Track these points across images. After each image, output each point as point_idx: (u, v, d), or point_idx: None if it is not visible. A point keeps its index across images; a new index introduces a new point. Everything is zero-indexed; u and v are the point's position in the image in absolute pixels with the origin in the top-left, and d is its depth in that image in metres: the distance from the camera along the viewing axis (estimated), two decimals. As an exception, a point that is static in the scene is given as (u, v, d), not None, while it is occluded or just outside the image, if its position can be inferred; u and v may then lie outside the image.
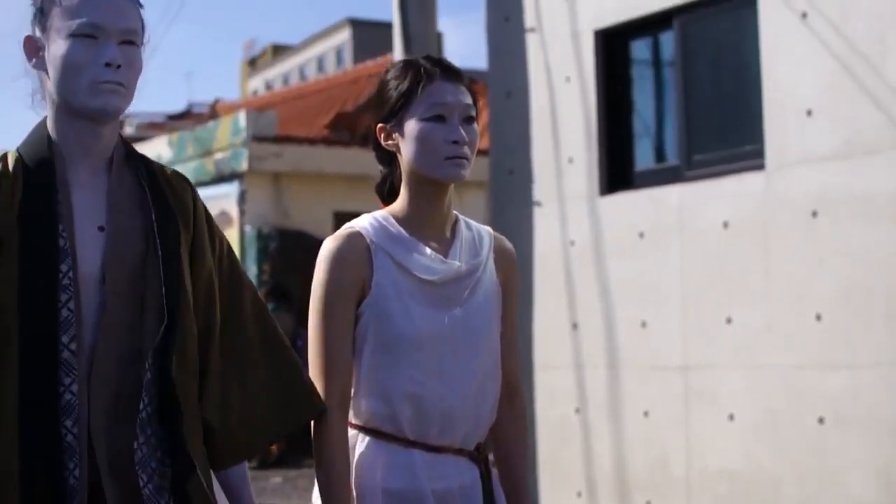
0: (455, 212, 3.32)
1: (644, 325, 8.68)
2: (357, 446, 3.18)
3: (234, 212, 15.79)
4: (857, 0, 7.44)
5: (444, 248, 3.22)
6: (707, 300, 8.26)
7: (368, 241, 3.14)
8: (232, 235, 15.85)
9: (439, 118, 3.11)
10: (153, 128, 28.34)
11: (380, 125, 3.21)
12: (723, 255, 8.16)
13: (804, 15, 7.72)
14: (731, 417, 8.05)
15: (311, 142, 16.52)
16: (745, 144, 8.27)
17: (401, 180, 3.24)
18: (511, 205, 9.78)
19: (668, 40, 9.06)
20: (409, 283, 3.15)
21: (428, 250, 3.18)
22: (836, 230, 7.47)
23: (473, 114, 3.18)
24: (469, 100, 3.18)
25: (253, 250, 15.47)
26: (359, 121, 18.05)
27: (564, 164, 9.38)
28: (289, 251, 15.56)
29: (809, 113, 7.65)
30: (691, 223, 8.40)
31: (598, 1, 9.23)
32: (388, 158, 3.27)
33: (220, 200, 16.09)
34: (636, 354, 8.76)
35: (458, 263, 3.21)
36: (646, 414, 8.65)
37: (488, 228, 3.38)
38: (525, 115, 9.72)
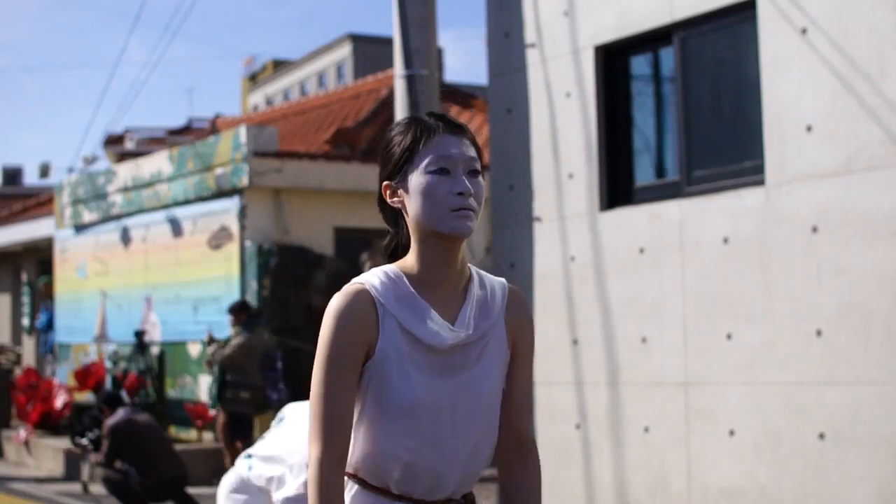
0: (470, 265, 3.26)
1: (644, 341, 8.67)
2: (345, 491, 3.18)
3: (234, 227, 15.78)
4: (857, 16, 7.45)
5: (455, 309, 3.17)
6: (707, 316, 8.26)
7: (377, 301, 3.09)
8: (232, 251, 15.84)
9: (443, 171, 3.08)
10: (154, 143, 28.39)
11: (385, 183, 3.18)
12: (723, 271, 8.16)
13: (804, 31, 7.73)
14: (732, 434, 8.04)
15: (312, 157, 16.51)
16: (745, 160, 8.28)
17: (408, 239, 3.19)
18: (511, 221, 9.78)
19: (668, 56, 9.07)
20: (414, 349, 3.11)
21: (437, 316, 3.12)
22: (835, 246, 7.47)
23: (478, 167, 3.14)
24: (473, 153, 3.14)
25: (253, 266, 15.45)
26: (359, 136, 18.06)
27: (564, 180, 9.38)
28: (289, 266, 15.54)
29: (809, 129, 7.66)
30: (691, 239, 8.40)
31: (598, 17, 9.24)
32: (395, 218, 3.23)
33: (220, 216, 16.08)
34: (636, 371, 8.76)
35: (466, 332, 3.16)
36: (646, 430, 8.65)
37: (502, 281, 3.31)
38: (525, 130, 9.73)
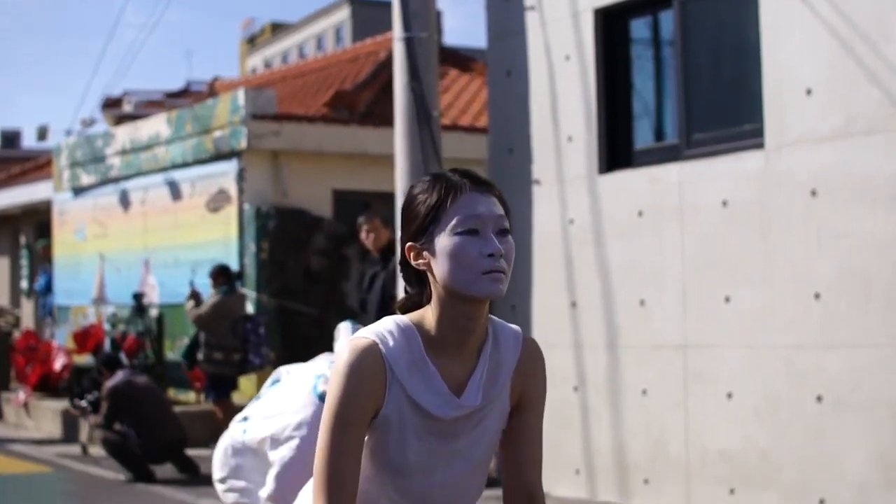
0: (489, 319, 3.14)
1: (643, 304, 8.68)
2: None
3: (232, 190, 15.75)
4: (858, -21, 7.42)
5: (465, 375, 3.09)
6: (706, 279, 8.26)
7: (387, 363, 3.00)
8: (230, 213, 15.83)
9: (472, 231, 2.96)
10: (152, 106, 28.36)
11: (409, 244, 3.04)
12: (722, 235, 8.16)
13: (804, -6, 7.70)
14: (730, 397, 8.05)
15: (311, 120, 16.46)
16: (745, 123, 8.26)
17: (429, 299, 3.06)
18: (510, 184, 9.76)
19: (667, 19, 9.04)
20: (415, 416, 3.05)
21: (444, 388, 3.05)
22: (835, 210, 7.47)
23: (507, 225, 3.02)
24: (501, 210, 3.02)
25: (252, 228, 15.44)
26: (358, 99, 18.02)
27: (564, 143, 9.37)
28: (288, 229, 15.53)
29: (809, 92, 7.64)
30: (690, 202, 8.39)
31: (598, -21, 9.20)
32: (418, 278, 3.10)
33: (218, 178, 16.06)
34: (635, 334, 8.77)
35: (472, 405, 3.09)
36: (644, 393, 8.66)
37: (518, 334, 3.20)
38: (525, 93, 9.71)
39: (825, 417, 7.49)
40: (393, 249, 10.21)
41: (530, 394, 3.21)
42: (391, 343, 3.02)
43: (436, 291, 3.03)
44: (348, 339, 6.05)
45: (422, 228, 3.00)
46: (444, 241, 2.96)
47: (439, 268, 2.98)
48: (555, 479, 9.09)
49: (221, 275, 13.67)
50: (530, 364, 3.19)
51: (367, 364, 2.99)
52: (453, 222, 2.96)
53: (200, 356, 13.60)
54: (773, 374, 7.81)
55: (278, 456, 5.96)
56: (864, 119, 7.37)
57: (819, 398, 7.51)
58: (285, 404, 6.12)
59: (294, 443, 5.94)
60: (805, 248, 7.63)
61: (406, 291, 3.17)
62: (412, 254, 3.04)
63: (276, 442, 6.01)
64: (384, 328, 3.05)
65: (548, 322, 9.38)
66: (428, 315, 3.06)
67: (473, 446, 3.15)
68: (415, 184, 3.10)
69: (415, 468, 3.08)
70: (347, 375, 2.99)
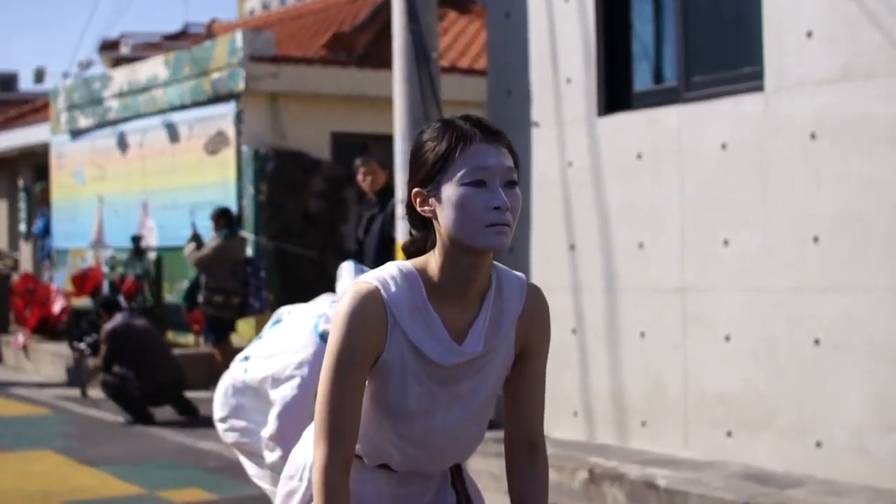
0: (494, 266, 3.14)
1: (641, 246, 8.67)
2: None
3: (230, 132, 15.72)
4: (860, -80, 7.36)
5: (467, 322, 3.08)
6: (705, 222, 8.25)
7: (388, 309, 3.00)
8: (228, 156, 15.80)
9: (479, 183, 2.93)
10: (149, 48, 28.24)
11: (416, 190, 3.04)
12: (721, 178, 8.14)
13: (806, -65, 7.64)
14: (728, 339, 8.06)
15: (309, 62, 16.40)
16: (744, 66, 8.22)
17: (434, 245, 3.06)
18: (509, 126, 9.72)
19: (667, -40, 8.98)
20: (416, 361, 3.05)
21: (446, 335, 3.04)
22: (834, 153, 7.45)
23: (515, 177, 2.99)
24: (510, 162, 2.99)
25: (250, 170, 15.41)
26: (356, 41, 17.94)
27: (563, 85, 9.33)
28: (286, 171, 15.51)
29: (809, 35, 7.60)
30: (689, 145, 8.37)
31: (598, -80, 9.13)
32: (423, 223, 3.09)
33: (216, 120, 16.02)
34: (633, 276, 8.77)
35: (473, 352, 3.08)
36: (642, 336, 8.67)
37: (522, 282, 3.19)
38: (524, 35, 9.66)
39: (823, 361, 7.50)
40: (391, 192, 10.20)
41: (534, 341, 3.21)
42: (393, 288, 3.01)
43: (440, 239, 3.02)
44: (351, 280, 6.05)
45: (429, 176, 2.99)
46: (450, 190, 2.95)
47: (444, 217, 2.97)
48: (553, 421, 9.12)
49: (223, 217, 13.68)
50: (535, 312, 3.19)
51: (368, 308, 2.99)
52: (461, 173, 2.94)
53: (200, 299, 13.63)
54: (772, 317, 7.82)
55: (279, 395, 5.97)
56: (865, 62, 7.33)
57: (817, 341, 7.52)
58: (286, 344, 6.13)
59: (295, 382, 5.96)
60: (804, 192, 7.61)
61: (411, 234, 3.16)
62: (418, 200, 3.04)
63: (277, 381, 6.02)
64: (387, 273, 3.05)
65: (546, 265, 9.37)
66: (431, 261, 3.05)
67: (475, 392, 3.16)
68: (424, 129, 3.08)
69: (415, 412, 3.09)
70: (349, 320, 2.99)
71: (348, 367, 2.99)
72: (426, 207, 3.02)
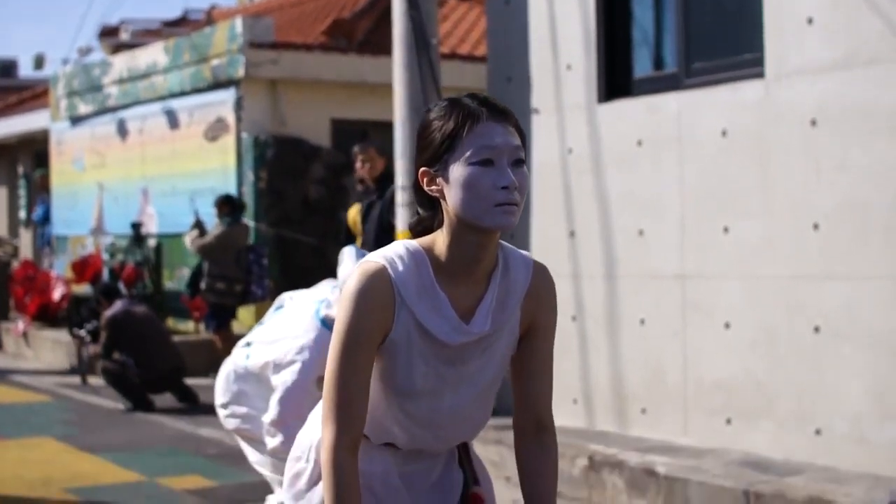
0: (500, 245, 3.14)
1: (641, 233, 8.67)
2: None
3: (230, 118, 15.71)
4: None
5: (474, 301, 3.09)
6: (705, 209, 8.24)
7: (395, 288, 3.00)
8: (228, 142, 15.79)
9: (487, 162, 2.92)
10: (149, 34, 28.17)
11: (423, 169, 3.02)
12: (721, 165, 8.13)
13: (806, -79, 7.62)
14: (728, 327, 8.06)
15: (309, 48, 16.38)
16: (745, 53, 8.21)
17: (441, 224, 3.05)
18: (509, 113, 9.71)
19: (668, -54, 8.96)
20: (423, 340, 3.05)
21: (453, 314, 3.04)
22: (834, 140, 7.43)
23: (523, 156, 2.98)
24: (518, 141, 2.98)
25: (250, 157, 15.41)
26: (356, 27, 17.91)
27: (563, 72, 9.32)
28: (286, 158, 15.51)
29: (810, 21, 7.58)
30: (689, 132, 8.36)
31: None
32: (430, 202, 3.08)
33: (216, 107, 16.01)
34: (633, 263, 8.76)
35: (481, 331, 3.09)
36: (642, 323, 8.66)
37: (528, 261, 3.22)
38: (523, 21, 9.64)
39: (822, 349, 7.50)
40: (389, 178, 10.19)
41: (540, 320, 3.25)
42: (400, 267, 3.01)
43: (447, 218, 3.02)
44: (354, 263, 6.04)
45: (436, 155, 2.98)
46: (458, 170, 2.94)
47: (452, 196, 2.96)
48: (552, 408, 9.10)
49: (226, 204, 13.67)
50: (542, 290, 3.23)
51: (376, 287, 2.99)
52: (469, 152, 2.93)
53: (203, 286, 13.62)
54: (771, 304, 7.81)
55: (280, 380, 5.99)
56: (866, 49, 7.32)
57: (817, 329, 7.51)
58: (288, 329, 6.14)
59: (296, 367, 5.97)
60: (804, 179, 7.60)
61: (418, 213, 3.16)
62: (425, 179, 3.03)
63: (278, 366, 6.03)
64: (394, 252, 3.05)
65: (546, 251, 9.36)
66: (439, 240, 3.05)
67: (481, 371, 3.17)
68: (431, 108, 3.07)
69: (422, 392, 3.10)
70: (356, 299, 2.99)
71: (356, 347, 2.99)
72: (433, 187, 3.01)
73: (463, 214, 2.95)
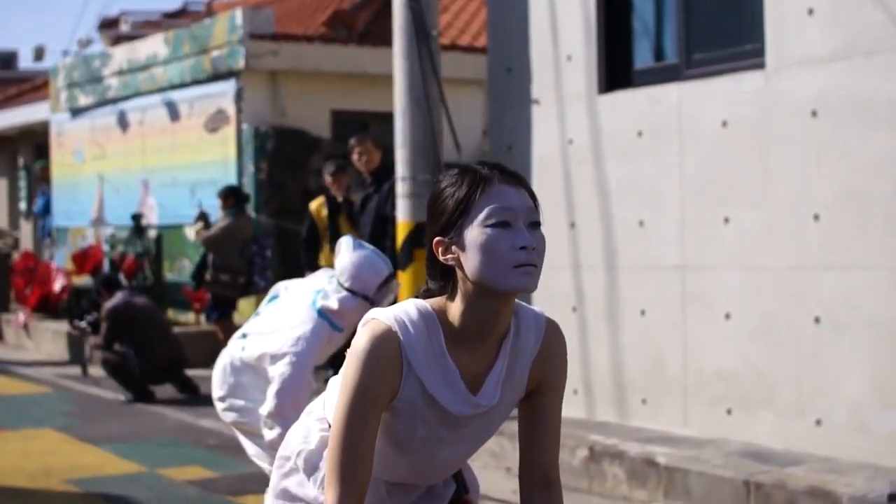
0: (515, 304, 3.06)
1: (642, 224, 8.67)
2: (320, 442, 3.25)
3: (230, 110, 15.69)
4: None
5: (483, 370, 3.03)
6: (705, 200, 8.24)
7: (403, 355, 2.93)
8: (229, 134, 15.78)
9: (504, 224, 2.86)
10: (149, 26, 28.13)
11: (437, 239, 2.94)
12: (721, 155, 8.13)
13: (807, -89, 7.62)
14: (728, 317, 8.06)
15: (309, 39, 16.36)
16: (745, 43, 8.20)
17: (455, 294, 2.97)
18: (509, 103, 9.72)
19: (668, -63, 8.95)
20: (428, 409, 3.01)
21: (462, 386, 2.99)
22: (835, 131, 7.43)
23: (539, 218, 2.93)
24: (532, 203, 2.93)
25: (250, 148, 15.39)
26: (357, 18, 17.89)
27: (563, 62, 9.31)
28: (286, 150, 15.49)
29: (811, 12, 7.58)
30: (690, 122, 8.35)
31: None
32: (444, 273, 2.99)
33: (216, 98, 15.99)
34: (633, 254, 8.76)
35: (489, 404, 3.04)
36: (642, 313, 8.67)
37: (540, 320, 3.14)
38: (524, 12, 9.63)
39: (822, 339, 7.50)
40: (386, 171, 10.19)
41: (549, 380, 3.16)
42: (411, 331, 2.94)
43: (463, 286, 2.94)
44: (351, 254, 5.99)
45: (451, 222, 2.91)
46: (474, 233, 2.87)
47: (469, 262, 2.89)
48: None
49: (231, 196, 13.65)
50: (552, 351, 3.15)
51: (383, 353, 2.93)
52: (483, 214, 2.87)
53: (208, 277, 13.62)
54: (772, 295, 7.82)
55: (278, 372, 5.97)
56: (866, 40, 7.31)
57: (817, 319, 7.52)
58: (284, 320, 6.12)
59: (293, 358, 5.95)
60: (805, 169, 7.60)
61: (427, 287, 3.07)
62: (440, 249, 2.95)
63: (275, 358, 6.01)
64: (405, 314, 2.97)
65: (547, 242, 9.36)
66: (452, 306, 2.98)
67: (481, 432, 3.14)
68: (441, 177, 3.01)
69: (420, 448, 3.07)
70: (364, 364, 2.92)
71: (362, 411, 2.94)
72: (449, 255, 2.94)
73: (481, 279, 2.88)
